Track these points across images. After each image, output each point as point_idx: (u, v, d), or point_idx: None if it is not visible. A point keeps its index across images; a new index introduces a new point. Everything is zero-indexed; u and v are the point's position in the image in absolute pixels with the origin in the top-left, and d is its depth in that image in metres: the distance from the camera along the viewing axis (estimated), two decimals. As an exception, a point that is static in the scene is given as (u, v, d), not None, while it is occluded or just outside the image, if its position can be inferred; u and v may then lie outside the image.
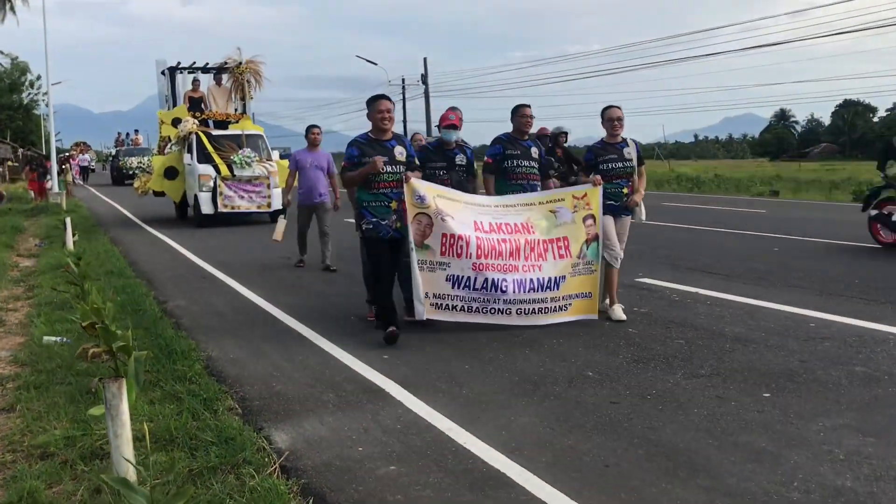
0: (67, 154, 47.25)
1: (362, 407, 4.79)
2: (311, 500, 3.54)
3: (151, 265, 11.00)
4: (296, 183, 10.66)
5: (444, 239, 6.51)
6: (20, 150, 49.34)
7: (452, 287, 6.57)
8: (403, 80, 61.30)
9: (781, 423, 4.39)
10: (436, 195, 6.58)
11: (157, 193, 18.22)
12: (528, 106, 7.42)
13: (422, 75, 57.47)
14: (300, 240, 10.71)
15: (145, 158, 37.26)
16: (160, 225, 16.96)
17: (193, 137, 16.80)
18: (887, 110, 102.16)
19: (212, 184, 16.03)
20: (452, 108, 7.60)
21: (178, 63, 18.41)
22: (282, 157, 18.48)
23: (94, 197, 28.94)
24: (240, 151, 16.36)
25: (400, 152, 6.53)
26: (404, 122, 61.61)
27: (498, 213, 6.79)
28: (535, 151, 7.36)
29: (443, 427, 4.41)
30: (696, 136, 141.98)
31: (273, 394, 5.10)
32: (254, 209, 16.39)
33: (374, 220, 6.41)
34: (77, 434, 4.26)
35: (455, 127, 7.40)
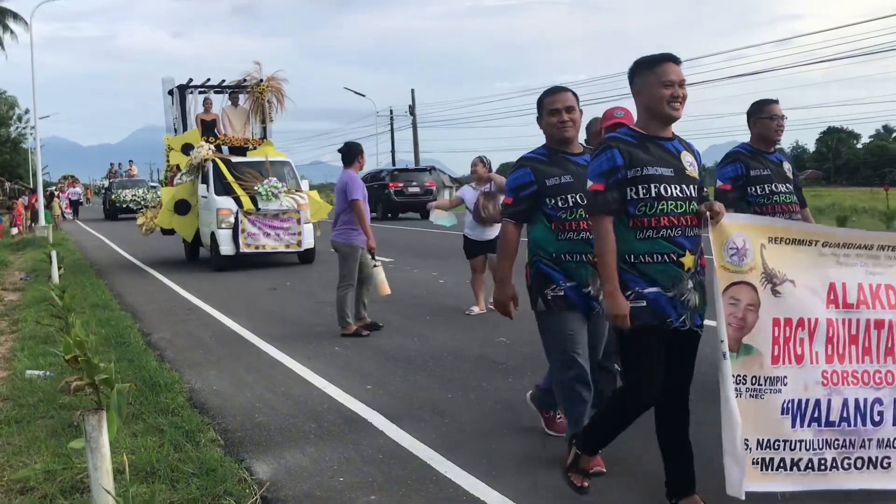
0: (56, 188, 46.70)
1: (344, 437, 4.81)
2: (290, 531, 3.55)
3: (137, 297, 10.99)
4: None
5: (777, 329, 3.56)
6: (7, 184, 49.24)
7: (793, 424, 3.55)
8: (391, 111, 61.77)
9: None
10: (766, 239, 3.64)
11: (165, 231, 15.84)
12: (776, 102, 5.06)
13: (409, 106, 57.96)
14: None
15: (140, 191, 35.33)
16: (152, 261, 16.32)
17: (210, 165, 14.49)
18: (870, 137, 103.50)
19: (232, 219, 13.70)
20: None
21: (190, 80, 16.19)
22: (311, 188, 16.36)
23: (83, 231, 28.89)
24: (265, 181, 14.11)
25: None
26: (392, 152, 61.99)
27: (877, 261, 3.75)
28: (788, 168, 4.97)
29: (424, 456, 4.43)
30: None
31: (255, 425, 5.11)
32: (281, 248, 14.07)
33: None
34: (58, 468, 4.25)
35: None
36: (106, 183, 43.06)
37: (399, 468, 4.26)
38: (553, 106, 4.03)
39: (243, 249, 13.65)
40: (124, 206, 34.86)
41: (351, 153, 8.08)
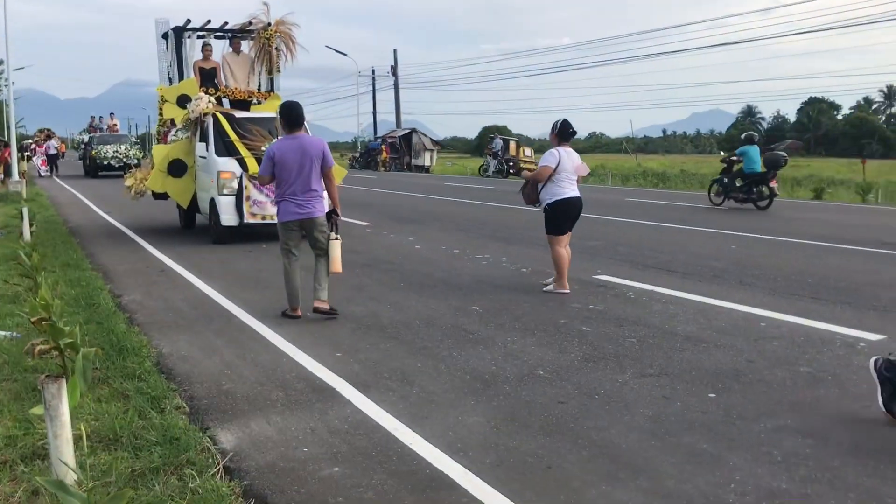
0: (32, 142, 45.23)
1: (311, 406, 4.79)
2: (252, 502, 3.54)
3: (110, 257, 10.86)
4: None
5: None
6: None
7: None
8: (373, 71, 61.26)
9: (724, 424, 4.45)
10: None
11: (157, 195, 13.91)
12: None
13: (391, 66, 57.48)
14: None
15: (123, 147, 33.99)
16: (130, 221, 15.85)
17: (210, 121, 12.55)
18: (851, 108, 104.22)
19: (235, 184, 11.88)
20: None
21: (188, 22, 14.21)
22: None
23: (59, 188, 28.51)
24: (273, 140, 11.39)
25: None
26: (374, 113, 61.50)
27: None
28: None
29: (390, 427, 4.42)
30: (664, 131, 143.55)
31: (222, 392, 5.07)
32: None
33: None
34: (19, 434, 4.20)
35: None
36: (86, 137, 40.21)
37: (364, 439, 4.25)
38: None
39: (248, 220, 11.87)
40: (105, 163, 33.37)
41: (301, 114, 7.32)
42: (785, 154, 19.60)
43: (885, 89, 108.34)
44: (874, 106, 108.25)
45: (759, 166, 18.18)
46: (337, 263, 7.28)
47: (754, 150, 18.41)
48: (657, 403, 4.80)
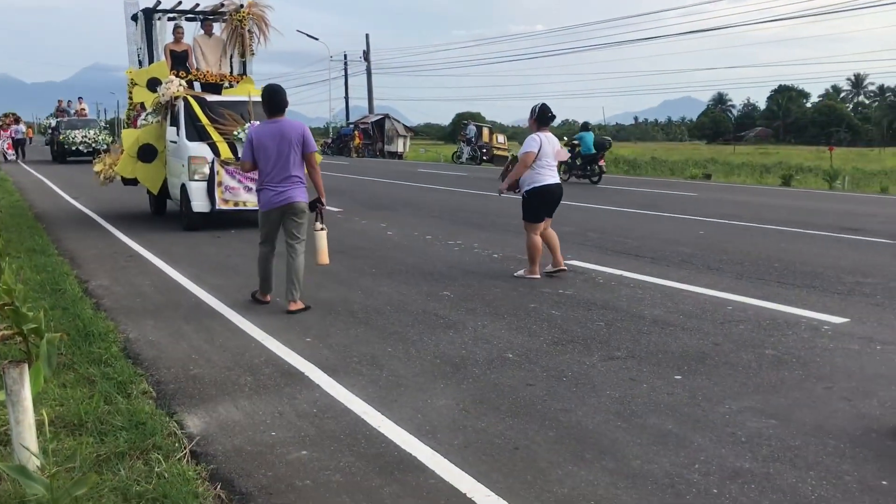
0: None
1: (279, 391, 4.78)
2: (218, 486, 3.52)
3: (76, 243, 10.72)
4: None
5: None
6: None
7: None
8: (346, 56, 60.81)
9: (689, 406, 4.51)
10: None
11: (126, 181, 13.63)
12: None
13: (364, 51, 57.19)
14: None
15: (91, 132, 33.35)
16: (99, 207, 15.77)
17: (181, 104, 12.19)
18: (820, 96, 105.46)
19: (207, 170, 11.55)
20: None
21: (158, 3, 13.91)
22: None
23: (26, 173, 28.07)
24: (246, 125, 11.52)
25: None
26: (346, 98, 61.12)
27: None
28: None
29: (359, 411, 4.42)
30: (636, 119, 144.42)
31: (189, 377, 5.04)
32: None
33: None
34: (-19, 420, 4.15)
35: None
36: (53, 122, 38.93)
37: (332, 423, 4.25)
38: None
39: (220, 206, 11.56)
40: (74, 148, 32.68)
41: (284, 99, 6.88)
42: (609, 139, 24.13)
43: (853, 78, 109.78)
44: (842, 94, 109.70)
45: (592, 148, 21.76)
46: (324, 255, 7.08)
47: (589, 136, 22.00)
48: (624, 385, 4.84)
